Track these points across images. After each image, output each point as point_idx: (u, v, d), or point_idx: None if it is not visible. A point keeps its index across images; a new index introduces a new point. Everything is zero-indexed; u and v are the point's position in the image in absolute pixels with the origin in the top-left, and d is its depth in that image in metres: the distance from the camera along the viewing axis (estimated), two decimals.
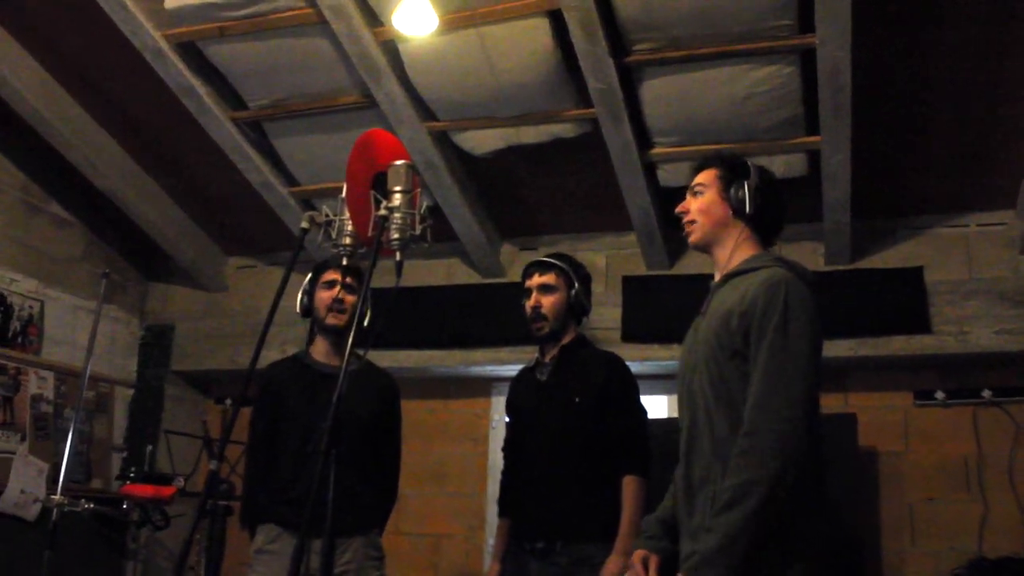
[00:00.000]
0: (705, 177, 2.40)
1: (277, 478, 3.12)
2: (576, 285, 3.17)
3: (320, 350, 3.32)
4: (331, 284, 3.23)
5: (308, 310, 3.31)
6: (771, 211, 2.36)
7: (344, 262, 2.69)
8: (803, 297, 2.16)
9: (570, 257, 3.28)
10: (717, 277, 2.37)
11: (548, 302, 3.11)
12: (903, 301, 4.34)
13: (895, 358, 4.41)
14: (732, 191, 2.33)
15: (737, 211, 2.33)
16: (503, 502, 3.24)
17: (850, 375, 4.66)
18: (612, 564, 2.81)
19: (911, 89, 3.85)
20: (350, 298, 3.21)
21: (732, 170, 2.37)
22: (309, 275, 3.36)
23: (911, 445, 4.47)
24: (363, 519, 3.14)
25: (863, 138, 3.87)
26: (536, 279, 3.16)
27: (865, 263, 4.49)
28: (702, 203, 2.37)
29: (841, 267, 4.53)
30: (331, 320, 3.22)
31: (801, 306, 2.13)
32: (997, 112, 3.88)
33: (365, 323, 3.13)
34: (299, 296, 3.32)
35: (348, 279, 3.23)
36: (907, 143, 4.10)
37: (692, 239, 2.40)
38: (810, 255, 4.62)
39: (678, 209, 2.43)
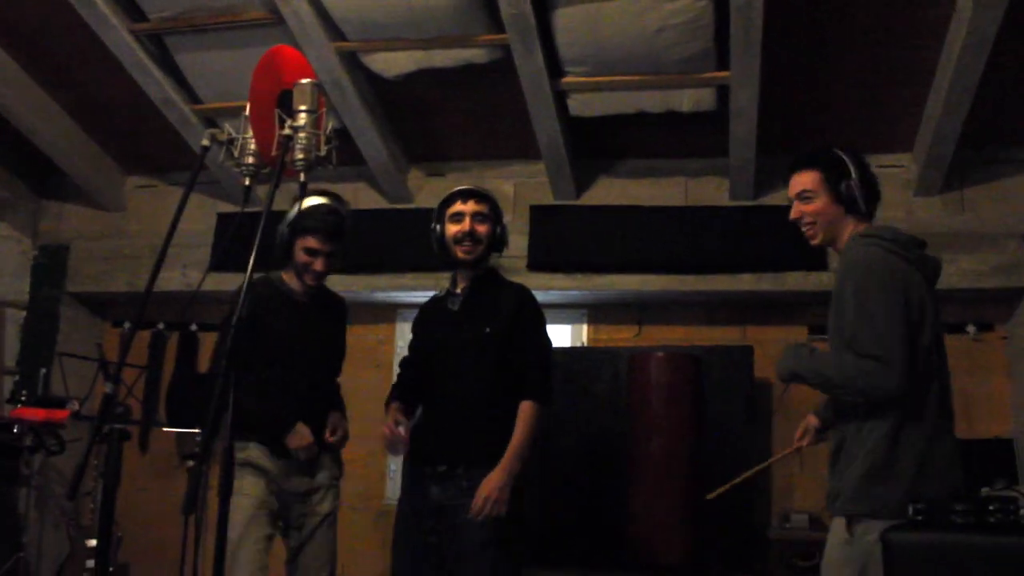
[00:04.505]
0: (810, 182, 2.57)
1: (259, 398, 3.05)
2: (501, 221, 3.20)
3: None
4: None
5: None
6: (873, 190, 2.57)
7: (247, 182, 2.59)
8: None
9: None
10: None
11: (482, 229, 3.13)
12: (802, 238, 4.43)
13: (792, 293, 4.54)
14: (843, 191, 2.53)
15: (849, 208, 2.54)
16: (395, 394, 3.22)
17: (749, 309, 4.79)
18: (493, 479, 2.87)
19: (819, 30, 3.90)
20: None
21: (834, 169, 2.55)
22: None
23: None
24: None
25: (771, 76, 3.92)
26: (472, 206, 3.15)
27: (768, 200, 4.58)
28: (816, 208, 2.57)
29: (745, 203, 4.62)
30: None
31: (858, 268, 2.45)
32: (901, 57, 3.97)
33: None
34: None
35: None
36: (813, 83, 4.17)
37: (814, 241, 2.65)
38: (715, 191, 4.70)
39: (792, 216, 2.64)
